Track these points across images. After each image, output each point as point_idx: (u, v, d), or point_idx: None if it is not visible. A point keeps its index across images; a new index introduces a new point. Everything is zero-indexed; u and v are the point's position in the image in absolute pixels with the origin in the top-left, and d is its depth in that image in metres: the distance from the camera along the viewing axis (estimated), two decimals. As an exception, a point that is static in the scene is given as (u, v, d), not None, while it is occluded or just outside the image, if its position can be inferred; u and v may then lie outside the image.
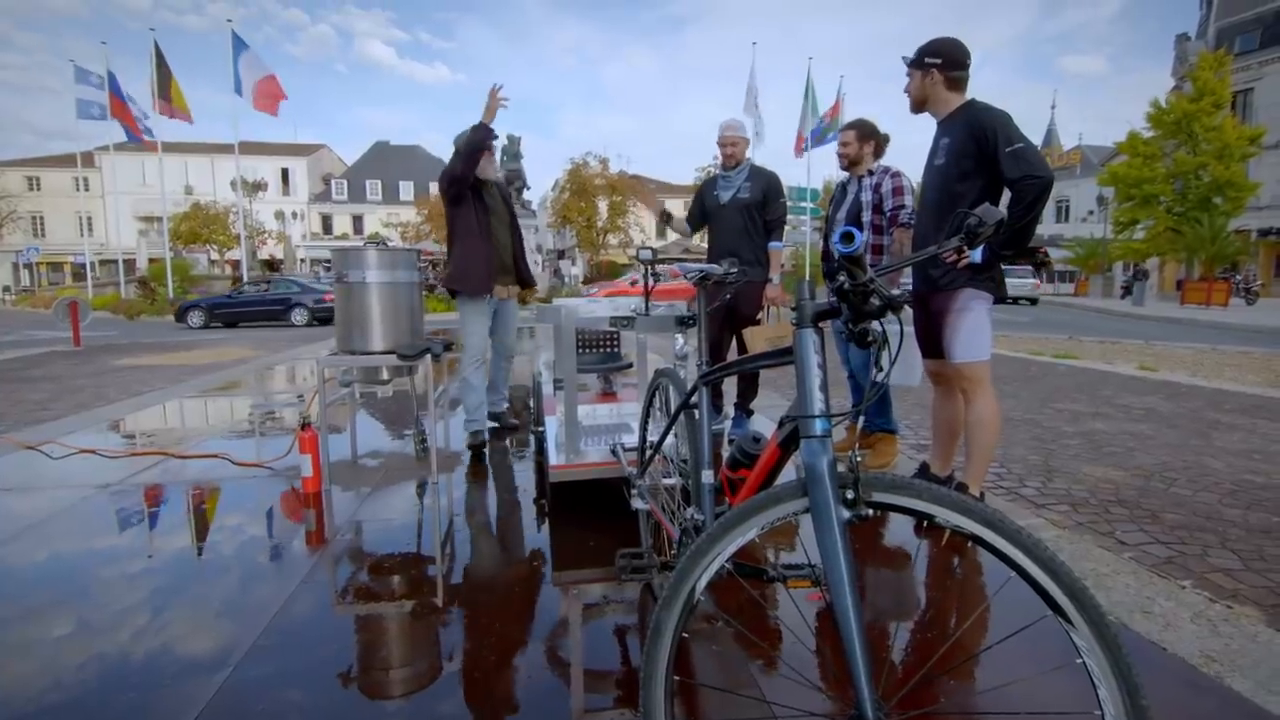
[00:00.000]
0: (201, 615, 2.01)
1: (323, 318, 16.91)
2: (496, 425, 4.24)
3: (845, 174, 3.59)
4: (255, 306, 17.47)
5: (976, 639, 1.89)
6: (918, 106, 2.70)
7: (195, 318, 16.88)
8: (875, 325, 1.07)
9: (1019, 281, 24.25)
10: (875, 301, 1.04)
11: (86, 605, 2.08)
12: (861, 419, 3.74)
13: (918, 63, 2.61)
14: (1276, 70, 29.96)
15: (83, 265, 31.35)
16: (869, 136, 3.46)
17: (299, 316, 16.97)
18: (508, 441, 4.05)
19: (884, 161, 3.50)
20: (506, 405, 4.37)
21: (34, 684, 1.66)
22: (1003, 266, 2.63)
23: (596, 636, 1.89)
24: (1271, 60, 30.03)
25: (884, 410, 3.51)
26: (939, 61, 2.57)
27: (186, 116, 20.10)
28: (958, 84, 2.59)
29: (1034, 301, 25.23)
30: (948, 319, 2.60)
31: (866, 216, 3.40)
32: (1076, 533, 2.65)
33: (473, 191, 3.74)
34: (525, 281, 4.13)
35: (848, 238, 0.97)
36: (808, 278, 4.07)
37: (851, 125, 3.53)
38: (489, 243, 3.78)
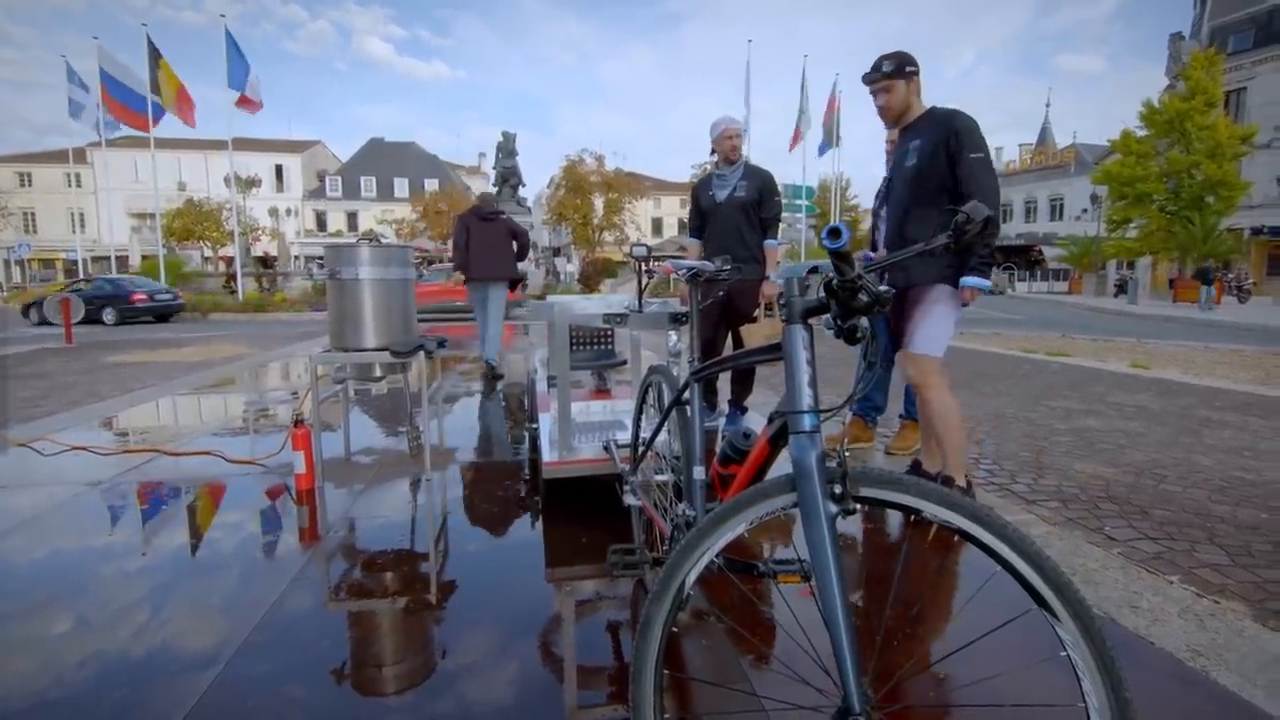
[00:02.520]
0: (193, 612, 2.00)
1: (131, 319, 17.15)
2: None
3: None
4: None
5: (962, 632, 1.90)
6: (899, 117, 2.75)
7: (34, 314, 17.17)
8: (863, 321, 1.07)
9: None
10: (863, 298, 1.04)
11: (78, 602, 2.08)
12: (852, 410, 3.81)
13: (898, 73, 2.65)
14: (1269, 70, 30.11)
15: (75, 262, 31.15)
16: None
17: (108, 316, 17.11)
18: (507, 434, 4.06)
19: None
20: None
21: (25, 680, 1.65)
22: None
23: (589, 632, 1.90)
24: (1264, 59, 30.18)
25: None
26: (916, 69, 2.66)
27: (188, 116, 19.77)
28: (919, 89, 2.70)
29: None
30: (918, 309, 2.65)
31: None
32: (1066, 529, 2.67)
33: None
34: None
35: (835, 234, 0.98)
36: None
37: None
38: None
